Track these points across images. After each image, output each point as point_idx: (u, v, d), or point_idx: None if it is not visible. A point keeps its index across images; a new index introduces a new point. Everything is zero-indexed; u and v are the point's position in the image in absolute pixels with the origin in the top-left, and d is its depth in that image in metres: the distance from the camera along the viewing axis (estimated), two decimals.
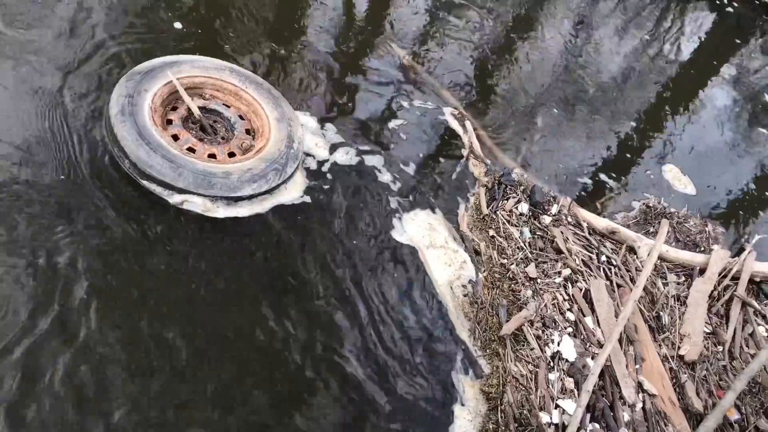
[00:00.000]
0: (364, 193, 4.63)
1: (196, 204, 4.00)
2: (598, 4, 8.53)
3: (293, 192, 4.39)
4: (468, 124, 5.58)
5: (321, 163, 4.66)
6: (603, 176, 5.88)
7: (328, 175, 4.60)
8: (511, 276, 4.54)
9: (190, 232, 3.94)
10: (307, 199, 4.40)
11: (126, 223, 3.83)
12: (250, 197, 4.15)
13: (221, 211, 4.07)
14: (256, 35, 5.39)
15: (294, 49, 5.45)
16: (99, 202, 3.87)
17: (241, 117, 4.56)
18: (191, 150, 4.21)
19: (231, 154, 4.33)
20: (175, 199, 3.99)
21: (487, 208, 4.92)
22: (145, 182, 3.97)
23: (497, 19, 7.24)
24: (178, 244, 3.83)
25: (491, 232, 4.78)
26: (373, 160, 4.90)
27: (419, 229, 4.59)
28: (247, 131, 4.52)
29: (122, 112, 4.05)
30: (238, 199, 4.11)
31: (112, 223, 3.80)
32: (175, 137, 4.22)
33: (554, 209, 5.09)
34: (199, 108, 4.44)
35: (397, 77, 5.74)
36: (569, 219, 5.11)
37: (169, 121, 4.30)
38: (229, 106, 4.58)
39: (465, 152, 5.34)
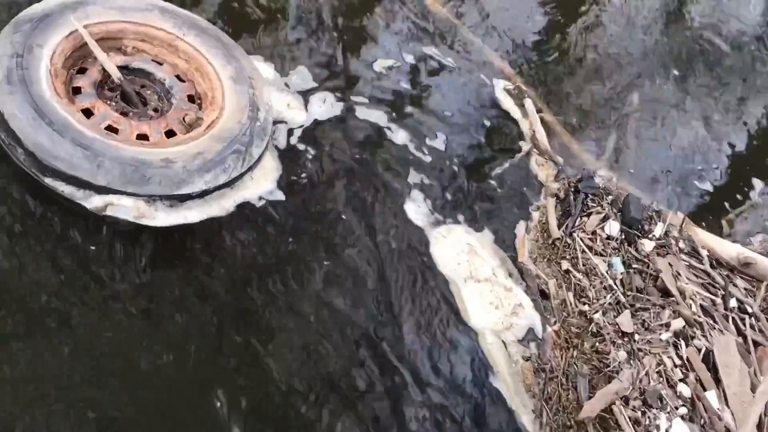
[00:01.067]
0: (365, 180, 3.92)
1: (125, 208, 3.29)
2: None
3: (262, 183, 3.69)
4: (529, 104, 4.63)
5: (296, 133, 3.94)
6: (733, 179, 4.89)
7: (309, 151, 3.90)
8: (595, 330, 3.78)
9: (118, 254, 3.19)
10: (281, 194, 3.67)
11: (19, 248, 3.03)
12: (203, 194, 3.43)
13: (162, 217, 3.35)
14: None
15: None
16: None
17: (179, 78, 3.83)
18: (112, 130, 3.49)
19: (170, 133, 3.61)
20: (94, 202, 3.27)
21: (559, 228, 4.12)
22: (48, 180, 3.24)
23: None
24: (100, 282, 3.09)
25: (565, 265, 4.00)
26: (375, 116, 4.17)
27: (454, 253, 3.78)
28: (190, 98, 3.80)
29: (8, 80, 3.31)
30: (184, 198, 3.39)
31: None
32: (87, 112, 3.50)
33: (658, 230, 4.25)
34: (120, 68, 3.70)
35: (417, 30, 4.85)
36: (681, 244, 4.29)
37: (77, 90, 3.56)
38: (161, 63, 3.84)
39: (525, 145, 4.45)
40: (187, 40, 3.84)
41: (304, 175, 3.79)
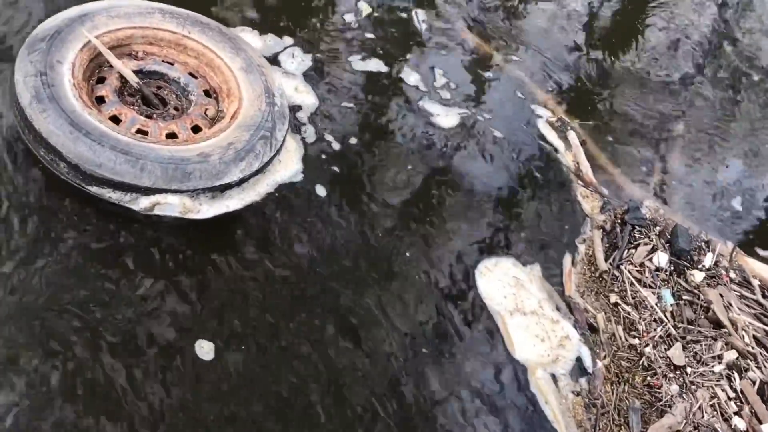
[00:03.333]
0: (391, 159, 4.10)
1: (171, 205, 3.47)
2: None
3: (290, 164, 3.90)
4: (572, 136, 4.59)
5: (308, 113, 4.15)
6: None
7: (328, 131, 4.06)
8: (646, 364, 3.77)
9: (174, 249, 3.38)
10: (310, 173, 3.88)
11: (78, 257, 3.22)
12: (240, 182, 3.60)
13: (206, 209, 3.56)
14: None
15: None
16: (35, 232, 3.23)
17: (192, 75, 4.00)
18: (142, 132, 3.65)
19: (196, 129, 3.76)
20: (142, 203, 3.45)
21: (606, 260, 4.10)
22: (94, 188, 3.41)
23: None
24: (157, 279, 3.28)
25: (614, 298, 3.98)
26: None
27: (500, 286, 3.80)
28: (206, 93, 3.98)
29: (38, 99, 3.44)
30: (225, 188, 3.57)
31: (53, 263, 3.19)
32: (115, 119, 3.63)
33: (708, 261, 4.22)
34: (135, 72, 3.83)
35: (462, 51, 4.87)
36: (732, 275, 4.23)
37: (100, 99, 3.69)
38: (172, 63, 4.00)
39: (569, 177, 4.42)
40: (192, 37, 4.00)
41: (328, 154, 4.02)
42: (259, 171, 3.70)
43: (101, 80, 3.78)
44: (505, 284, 3.83)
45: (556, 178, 4.39)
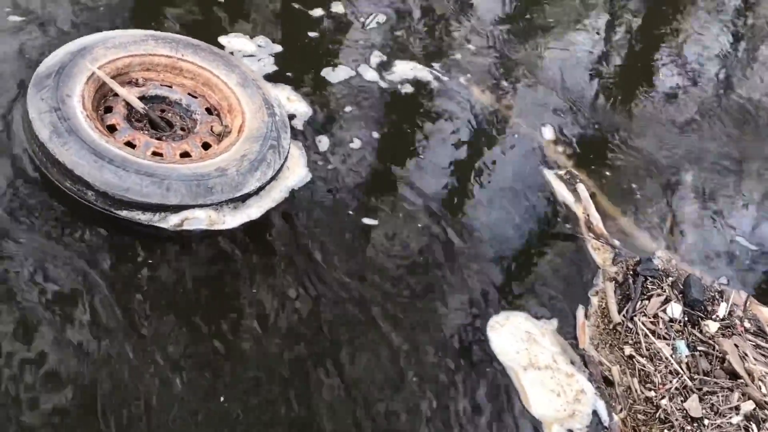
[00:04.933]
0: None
1: (199, 219, 3.69)
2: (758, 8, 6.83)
3: (297, 170, 4.15)
4: (581, 188, 4.62)
5: (303, 120, 4.42)
6: None
7: (323, 135, 4.31)
8: (663, 416, 3.72)
9: (208, 260, 3.62)
10: (318, 176, 4.16)
11: (117, 283, 3.43)
12: (258, 190, 3.84)
13: (230, 220, 3.79)
14: None
15: None
16: (74, 262, 3.43)
17: (192, 95, 4.21)
18: (157, 155, 3.84)
19: (206, 146, 3.98)
20: (171, 221, 3.67)
21: (619, 313, 4.06)
22: (124, 212, 3.61)
23: (612, 28, 6.05)
24: (195, 290, 3.50)
25: (628, 350, 3.95)
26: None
27: (512, 341, 3.82)
28: (208, 111, 4.20)
29: (57, 133, 3.62)
30: (245, 198, 3.81)
31: (96, 288, 3.39)
32: (130, 144, 3.81)
33: (722, 310, 4.18)
34: (138, 99, 4.01)
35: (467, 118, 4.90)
36: (746, 324, 4.19)
37: (112, 128, 3.87)
38: (171, 86, 4.19)
39: (580, 229, 4.44)
40: (186, 59, 4.22)
41: (329, 160, 4.28)
42: (273, 178, 3.93)
43: (108, 109, 3.97)
44: (517, 339, 3.84)
45: (567, 231, 4.42)
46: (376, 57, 4.93)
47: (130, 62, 4.12)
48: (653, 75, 5.61)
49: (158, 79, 4.20)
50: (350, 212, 4.06)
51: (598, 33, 5.82)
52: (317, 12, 5.14)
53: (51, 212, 3.58)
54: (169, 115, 4.12)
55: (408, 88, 4.84)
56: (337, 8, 5.15)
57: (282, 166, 3.99)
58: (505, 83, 5.13)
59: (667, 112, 5.36)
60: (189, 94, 4.20)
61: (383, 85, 4.79)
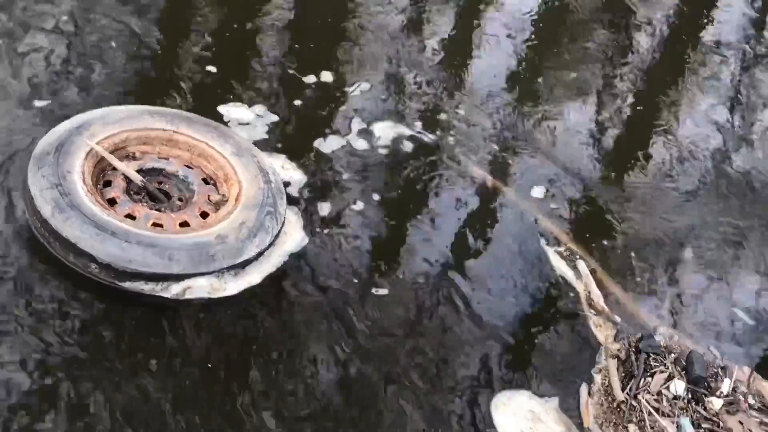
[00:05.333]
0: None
1: (201, 288, 3.77)
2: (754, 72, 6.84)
3: (294, 234, 4.25)
4: (582, 265, 4.61)
5: (298, 186, 4.53)
6: None
7: (318, 206, 4.46)
8: None
9: (212, 329, 3.71)
10: (314, 240, 4.26)
11: (125, 357, 3.51)
12: (258, 256, 3.92)
13: (231, 286, 3.87)
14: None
15: None
16: (78, 334, 3.49)
17: (188, 166, 4.31)
18: (157, 225, 3.92)
19: (204, 215, 4.08)
20: (174, 290, 3.76)
21: (623, 390, 4.01)
22: (128, 284, 3.67)
23: (608, 99, 6.04)
24: (198, 362, 3.56)
25: (633, 428, 3.89)
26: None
27: (516, 420, 3.79)
28: (204, 181, 4.30)
29: (59, 209, 3.72)
30: (245, 264, 3.89)
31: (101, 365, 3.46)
32: (131, 216, 3.90)
33: (726, 387, 4.12)
34: (136, 172, 4.11)
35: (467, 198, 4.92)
36: (750, 400, 4.13)
37: (112, 201, 3.97)
38: (167, 158, 4.29)
39: (581, 306, 4.46)
40: (181, 132, 4.33)
41: (319, 221, 4.40)
42: (271, 244, 4.02)
43: (108, 183, 4.06)
44: (521, 418, 3.81)
45: (568, 308, 4.41)
46: (363, 124, 5.04)
47: (126, 137, 4.23)
48: (650, 146, 5.66)
49: (155, 152, 4.30)
50: (344, 276, 4.14)
51: (594, 104, 5.90)
52: (310, 79, 5.27)
53: (55, 286, 3.67)
54: (167, 186, 4.21)
55: (399, 155, 4.95)
56: (326, 77, 5.28)
57: (280, 231, 4.08)
58: (499, 153, 5.20)
59: (666, 183, 5.37)
60: (185, 165, 4.30)
61: (373, 152, 4.89)
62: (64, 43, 4.99)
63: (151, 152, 4.30)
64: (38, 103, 4.55)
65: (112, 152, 4.12)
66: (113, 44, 5.08)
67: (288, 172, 4.57)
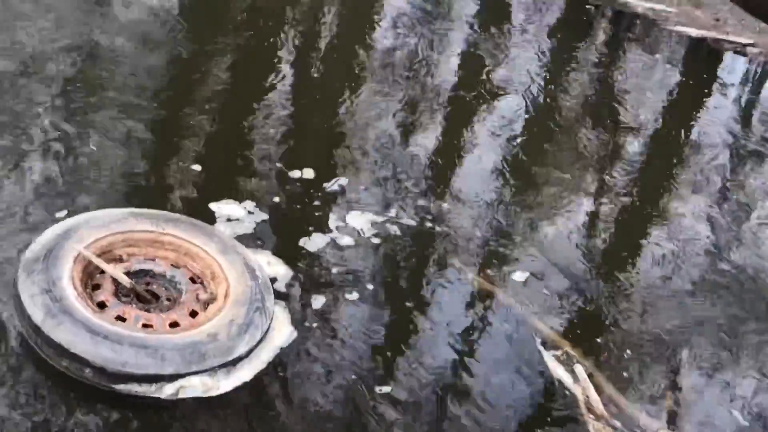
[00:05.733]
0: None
1: (194, 387, 3.79)
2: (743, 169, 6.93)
3: (283, 329, 4.29)
4: (579, 369, 4.59)
5: (284, 281, 4.58)
6: None
7: (305, 299, 4.52)
8: None
9: (206, 427, 3.70)
10: (303, 335, 4.30)
11: None
12: (248, 353, 3.97)
13: (224, 384, 3.90)
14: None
15: None
16: None
17: (175, 266, 4.37)
18: (147, 326, 3.97)
19: (193, 314, 4.12)
20: (167, 391, 3.78)
21: None
22: (121, 386, 3.71)
23: (603, 202, 6.06)
24: None
25: None
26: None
27: None
28: (192, 280, 4.35)
29: (51, 315, 3.78)
30: (236, 361, 3.94)
31: None
32: (121, 318, 3.95)
33: None
34: (124, 274, 4.17)
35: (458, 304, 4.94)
36: None
37: (101, 304, 4.02)
38: (153, 259, 4.35)
39: (580, 411, 4.40)
40: (167, 232, 4.41)
41: (314, 322, 4.44)
42: (261, 340, 4.07)
43: (96, 287, 4.11)
44: None
45: (567, 414, 4.37)
46: (349, 219, 5.13)
47: (113, 240, 4.29)
48: (643, 244, 5.72)
49: (141, 253, 4.36)
50: (331, 370, 4.19)
51: (585, 203, 5.96)
52: (295, 174, 5.39)
53: (48, 392, 3.68)
54: (155, 287, 4.26)
55: (385, 250, 5.03)
56: (311, 174, 5.40)
57: (269, 327, 4.15)
58: (489, 250, 5.25)
59: (660, 281, 5.37)
60: (172, 265, 4.36)
61: (358, 247, 4.97)
62: (47, 148, 5.09)
63: (137, 254, 4.36)
64: (23, 210, 4.62)
65: (99, 255, 4.18)
66: (103, 146, 5.21)
67: (274, 267, 4.63)
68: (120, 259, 4.30)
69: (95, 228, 4.28)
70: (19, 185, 4.77)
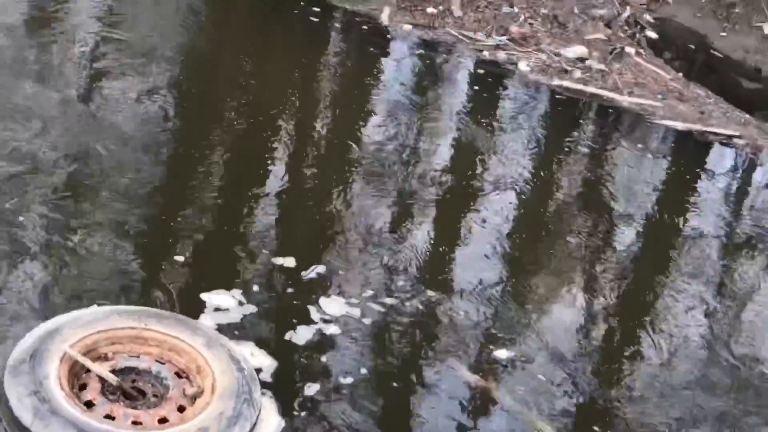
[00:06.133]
0: None
1: None
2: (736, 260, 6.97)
3: (271, 419, 4.33)
4: None
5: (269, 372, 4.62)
6: None
7: (290, 390, 4.54)
8: None
9: None
10: (292, 426, 4.33)
11: None
12: None
13: None
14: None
15: None
16: None
17: (159, 362, 4.39)
18: (137, 423, 3.97)
19: (181, 408, 4.13)
20: None
21: None
22: None
23: (598, 293, 6.08)
24: None
25: None
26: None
27: None
28: (178, 374, 4.37)
29: (39, 416, 3.79)
30: None
31: None
32: (110, 417, 3.96)
33: None
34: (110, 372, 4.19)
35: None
36: None
37: (89, 403, 4.02)
38: (138, 356, 4.36)
39: None
40: (150, 328, 4.43)
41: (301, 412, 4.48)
42: (251, 431, 4.09)
43: (83, 386, 4.12)
44: None
45: None
46: (337, 307, 5.18)
47: (97, 338, 4.31)
48: (640, 337, 5.72)
49: (126, 350, 4.37)
50: None
51: (580, 297, 5.95)
52: (286, 263, 5.44)
53: None
54: (141, 384, 4.26)
55: (376, 337, 5.10)
56: (289, 263, 5.46)
57: (257, 418, 4.16)
58: (486, 352, 5.23)
59: (658, 373, 5.39)
60: (157, 360, 4.37)
61: (345, 336, 5.03)
62: (36, 249, 5.12)
63: (122, 351, 4.37)
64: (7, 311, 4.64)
65: (84, 354, 4.19)
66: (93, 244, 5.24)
67: (258, 358, 4.67)
68: (105, 357, 4.31)
69: (79, 327, 4.29)
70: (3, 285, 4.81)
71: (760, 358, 5.68)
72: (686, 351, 5.62)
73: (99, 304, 4.64)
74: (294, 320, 5.01)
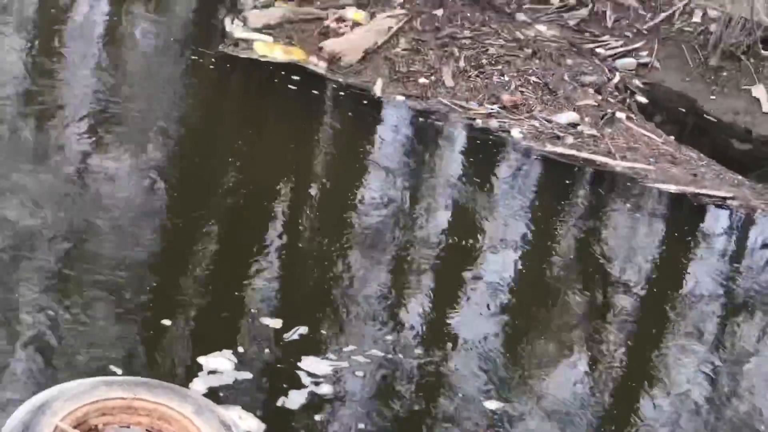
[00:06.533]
0: None
1: None
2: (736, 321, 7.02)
3: None
4: None
5: None
6: None
7: None
8: None
9: None
10: None
11: None
12: None
13: None
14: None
15: None
16: None
17: (150, 431, 4.39)
18: None
19: None
20: None
21: None
22: None
23: (598, 358, 6.12)
24: None
25: None
26: None
27: None
28: None
29: None
30: None
31: None
32: None
33: None
34: None
35: None
36: None
37: None
38: (129, 426, 4.38)
39: None
40: (140, 397, 4.46)
41: None
42: None
43: None
44: None
45: None
46: (332, 366, 5.26)
47: (87, 411, 4.32)
48: (642, 400, 5.74)
49: (116, 421, 4.39)
50: None
51: (581, 362, 5.99)
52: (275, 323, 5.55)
53: None
54: None
55: (372, 396, 5.16)
56: (275, 324, 5.53)
57: None
58: (483, 414, 5.29)
59: None
60: (148, 430, 4.39)
61: (337, 398, 5.08)
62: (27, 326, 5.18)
63: (113, 422, 4.39)
64: None
65: (75, 427, 4.22)
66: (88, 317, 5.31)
67: (246, 421, 4.73)
68: (96, 429, 4.33)
69: (68, 400, 4.31)
70: None
71: (762, 420, 5.71)
72: (689, 413, 5.67)
73: (92, 375, 4.70)
74: (284, 386, 5.05)
